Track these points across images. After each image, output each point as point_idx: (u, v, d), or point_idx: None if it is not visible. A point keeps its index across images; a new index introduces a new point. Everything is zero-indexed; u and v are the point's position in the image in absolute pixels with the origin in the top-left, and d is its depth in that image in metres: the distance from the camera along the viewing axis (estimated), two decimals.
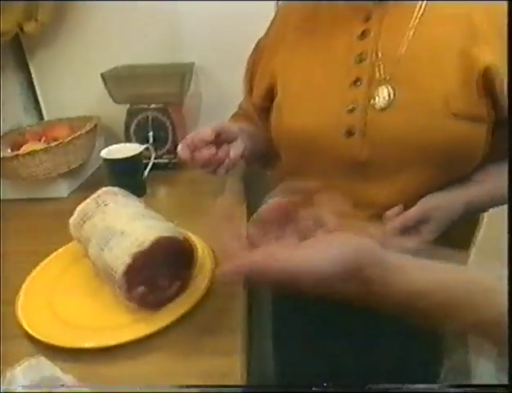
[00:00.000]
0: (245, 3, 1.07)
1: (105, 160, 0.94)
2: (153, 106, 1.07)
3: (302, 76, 0.72)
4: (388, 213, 0.67)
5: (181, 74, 1.08)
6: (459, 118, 0.63)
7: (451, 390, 0.37)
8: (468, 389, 0.36)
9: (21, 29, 1.02)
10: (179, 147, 0.71)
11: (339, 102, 0.67)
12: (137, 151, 0.94)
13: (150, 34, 1.14)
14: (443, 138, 0.63)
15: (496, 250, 0.46)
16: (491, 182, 0.70)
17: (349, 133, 0.67)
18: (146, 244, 0.55)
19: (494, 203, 0.73)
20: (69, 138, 0.96)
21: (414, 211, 0.66)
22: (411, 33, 0.66)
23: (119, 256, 0.56)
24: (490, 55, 0.62)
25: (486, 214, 0.82)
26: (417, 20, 0.66)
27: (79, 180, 1.07)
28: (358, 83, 0.67)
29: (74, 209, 0.68)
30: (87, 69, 1.15)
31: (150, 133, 1.07)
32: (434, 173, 0.67)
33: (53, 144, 0.95)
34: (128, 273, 0.55)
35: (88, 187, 0.89)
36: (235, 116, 0.92)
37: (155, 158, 1.03)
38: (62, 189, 1.00)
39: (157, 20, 1.12)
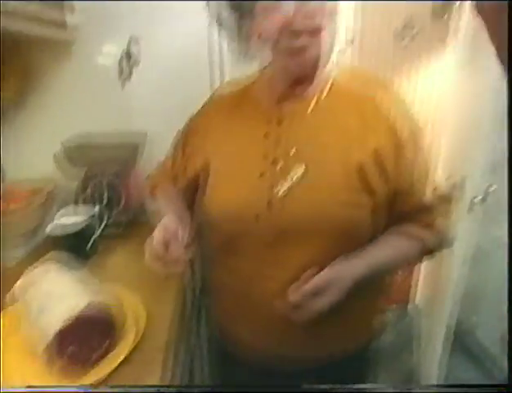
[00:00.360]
0: (196, 73, 1.22)
1: (54, 230, 1.02)
2: (108, 171, 1.18)
3: (217, 168, 0.84)
4: (302, 277, 0.77)
5: (134, 143, 1.20)
6: (341, 204, 0.76)
7: (451, 390, 0.38)
8: (468, 389, 0.36)
9: None
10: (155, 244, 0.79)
11: (248, 192, 0.80)
12: (85, 219, 1.03)
13: (107, 105, 1.27)
14: (333, 222, 0.76)
15: None
16: (389, 247, 0.83)
17: (257, 218, 0.78)
18: (78, 309, 0.64)
19: (393, 266, 0.85)
20: (25, 206, 1.05)
21: (317, 278, 0.75)
22: (303, 132, 0.80)
23: (54, 320, 0.64)
24: (364, 152, 0.77)
25: None
26: (308, 121, 0.80)
27: (32, 244, 1.13)
28: (263, 176, 0.79)
29: (22, 274, 0.76)
30: (48, 135, 1.26)
31: (104, 197, 1.17)
32: (335, 246, 0.78)
33: (9, 211, 1.03)
34: (61, 334, 0.63)
35: (39, 252, 0.96)
36: (163, 192, 1.00)
37: (108, 219, 1.13)
38: (16, 253, 1.07)
39: (113, 92, 1.25)
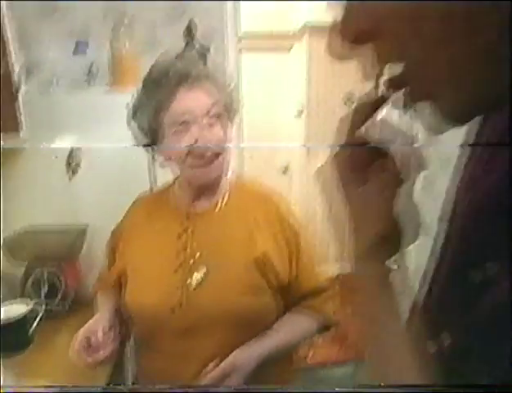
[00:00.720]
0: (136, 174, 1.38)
1: None
2: (48, 263, 1.30)
3: (139, 266, 0.98)
4: (208, 367, 0.89)
5: (74, 237, 1.33)
6: (244, 293, 0.91)
7: (451, 390, 0.36)
8: (468, 389, 0.34)
9: None
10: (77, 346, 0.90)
11: (166, 286, 0.93)
12: (23, 312, 1.14)
13: (50, 200, 1.41)
14: (234, 309, 0.90)
15: None
16: (287, 327, 0.97)
17: (173, 309, 0.91)
18: None
19: (293, 343, 1.00)
20: None
21: (222, 365, 0.88)
22: (212, 230, 0.96)
23: None
24: (261, 247, 0.93)
25: None
26: (215, 221, 0.97)
27: None
28: (178, 271, 0.94)
29: None
30: None
31: (44, 288, 1.28)
32: (241, 333, 0.92)
33: None
34: None
35: None
36: (101, 282, 1.13)
37: (47, 306, 1.24)
38: None
39: (55, 191, 1.40)
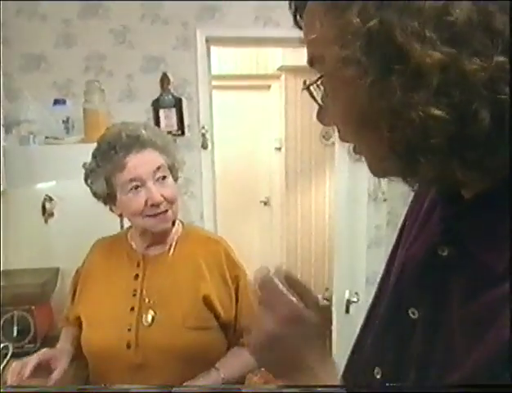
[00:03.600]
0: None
1: None
2: (19, 306, 1.40)
3: (97, 305, 1.08)
4: None
5: (46, 279, 1.44)
6: (192, 330, 1.02)
7: (451, 390, 0.36)
8: (468, 389, 0.35)
9: None
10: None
11: (122, 324, 1.03)
12: None
13: (27, 246, 1.52)
14: (183, 344, 1.01)
15: None
16: (226, 368, 1.06)
17: (128, 346, 1.02)
18: None
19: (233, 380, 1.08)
20: None
21: None
22: (163, 273, 1.08)
23: None
24: (206, 288, 1.05)
25: None
26: (167, 264, 1.09)
27: None
28: (132, 311, 1.04)
29: None
30: None
31: (14, 329, 1.38)
32: (187, 369, 1.01)
33: None
34: None
35: None
36: (65, 320, 1.21)
37: (17, 348, 1.33)
38: None
39: (30, 235, 1.51)
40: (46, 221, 1.52)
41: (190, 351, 1.02)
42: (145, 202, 1.02)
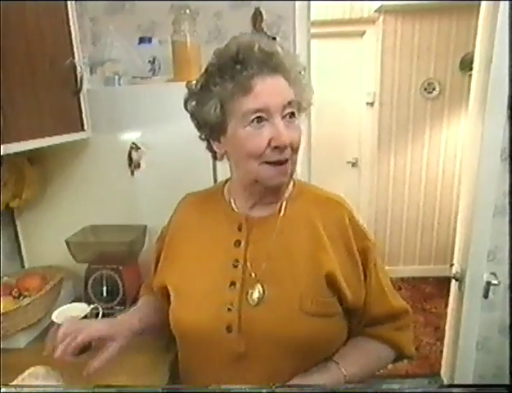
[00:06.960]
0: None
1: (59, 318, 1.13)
2: (108, 265, 1.28)
3: (189, 280, 0.88)
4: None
5: (134, 237, 1.30)
6: (310, 315, 0.80)
7: (451, 390, 0.37)
8: (468, 389, 0.34)
9: (7, 206, 1.29)
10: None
11: (220, 302, 0.83)
12: (83, 314, 1.12)
13: (112, 200, 1.39)
14: (300, 333, 0.79)
15: None
16: (347, 364, 0.84)
17: (229, 329, 0.81)
18: None
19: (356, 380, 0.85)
20: (37, 296, 1.15)
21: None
22: (272, 240, 0.85)
23: None
24: (329, 262, 0.81)
25: None
26: (276, 229, 0.85)
27: (37, 331, 1.24)
28: (233, 286, 0.83)
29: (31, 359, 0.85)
30: (61, 229, 1.39)
31: (104, 290, 1.27)
32: (299, 361, 0.81)
33: (24, 303, 1.15)
34: None
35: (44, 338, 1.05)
36: (147, 288, 1.06)
37: (107, 309, 1.22)
38: (21, 340, 1.18)
39: (116, 188, 1.38)
40: (132, 173, 1.37)
41: (306, 342, 0.80)
42: (269, 142, 0.76)
